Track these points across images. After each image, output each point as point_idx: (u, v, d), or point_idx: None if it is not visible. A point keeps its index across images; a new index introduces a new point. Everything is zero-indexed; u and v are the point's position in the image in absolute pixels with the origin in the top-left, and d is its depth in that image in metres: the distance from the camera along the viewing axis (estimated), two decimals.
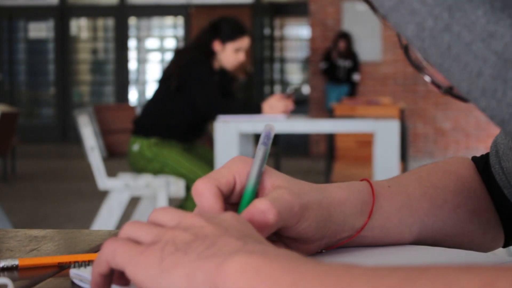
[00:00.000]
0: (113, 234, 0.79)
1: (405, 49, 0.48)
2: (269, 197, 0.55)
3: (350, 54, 10.06)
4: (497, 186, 0.71)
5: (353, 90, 10.10)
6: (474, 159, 0.75)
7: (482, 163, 0.73)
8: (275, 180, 0.58)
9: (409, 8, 0.42)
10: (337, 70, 10.07)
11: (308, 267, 0.43)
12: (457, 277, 0.40)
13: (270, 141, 0.57)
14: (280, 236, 0.58)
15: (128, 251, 0.47)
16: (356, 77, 10.08)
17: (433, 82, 0.47)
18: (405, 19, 0.43)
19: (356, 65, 10.13)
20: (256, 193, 0.57)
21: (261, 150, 0.57)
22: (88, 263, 0.62)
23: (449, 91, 0.47)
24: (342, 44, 9.96)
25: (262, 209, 0.54)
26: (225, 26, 3.86)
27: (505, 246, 0.75)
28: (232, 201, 0.58)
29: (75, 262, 0.63)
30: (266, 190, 0.58)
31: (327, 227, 0.60)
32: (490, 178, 0.72)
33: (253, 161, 0.58)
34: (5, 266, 0.62)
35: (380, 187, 0.65)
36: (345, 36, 10.03)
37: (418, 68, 0.47)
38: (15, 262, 0.63)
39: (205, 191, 0.55)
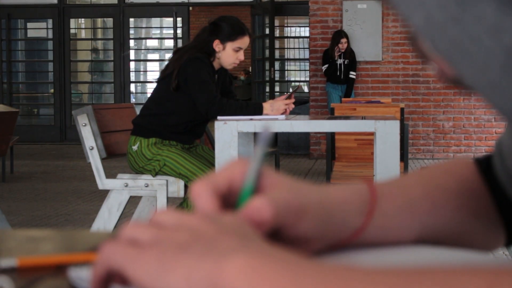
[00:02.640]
0: (113, 235, 0.78)
1: (412, 38, 0.47)
2: (266, 195, 0.55)
3: (348, 53, 10.05)
4: (499, 186, 0.71)
5: (349, 88, 10.08)
6: (477, 159, 0.75)
7: (484, 164, 0.73)
8: (274, 180, 0.58)
9: None
10: (337, 70, 10.06)
11: (307, 268, 0.43)
12: (459, 279, 0.39)
13: (267, 141, 0.57)
14: (280, 237, 0.58)
15: (127, 252, 0.46)
16: (352, 74, 10.07)
17: (439, 73, 0.47)
18: (413, 9, 0.43)
19: (353, 64, 10.12)
20: (254, 193, 0.57)
21: (258, 150, 0.57)
22: (87, 263, 0.62)
23: (455, 82, 0.46)
24: (344, 44, 9.95)
25: (258, 206, 0.53)
26: (225, 26, 3.85)
27: (507, 245, 0.75)
28: (230, 202, 0.58)
29: (74, 262, 0.63)
30: (264, 190, 0.57)
31: (328, 227, 0.59)
32: (492, 178, 0.72)
33: (250, 162, 0.57)
34: (4, 266, 0.62)
35: (381, 188, 0.65)
36: (346, 35, 10.03)
37: (425, 57, 0.47)
38: (14, 262, 0.62)
39: (203, 192, 0.55)
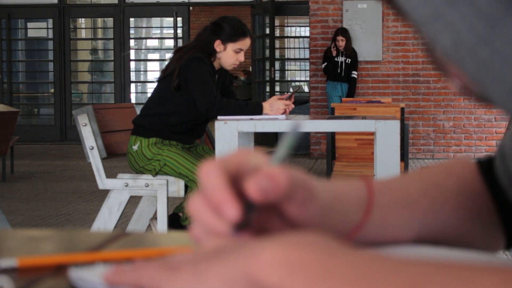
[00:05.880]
0: (113, 234, 0.78)
1: (430, 50, 0.46)
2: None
3: (349, 51, 10.03)
4: (500, 188, 0.71)
5: (352, 88, 10.08)
6: (478, 160, 0.74)
7: (485, 165, 0.73)
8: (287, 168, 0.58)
9: (445, 20, 0.41)
10: (337, 67, 10.05)
11: (342, 259, 0.43)
12: (474, 275, 0.40)
13: (293, 139, 0.57)
14: (284, 223, 0.57)
15: (162, 273, 0.47)
16: (354, 74, 10.06)
17: (462, 88, 0.46)
18: (441, 31, 0.42)
19: (356, 63, 10.11)
20: None
21: (287, 139, 0.56)
22: (87, 263, 0.62)
23: (480, 97, 0.46)
24: (341, 42, 9.94)
25: (274, 172, 0.52)
26: (227, 27, 3.85)
27: (506, 248, 0.74)
28: (238, 187, 0.57)
29: (74, 262, 0.63)
30: None
31: (327, 221, 0.59)
32: (493, 180, 0.71)
33: (279, 147, 0.57)
34: (4, 266, 0.62)
35: (380, 186, 0.65)
36: (344, 33, 10.00)
37: (444, 71, 0.46)
38: (14, 262, 0.62)
39: (212, 171, 0.53)
